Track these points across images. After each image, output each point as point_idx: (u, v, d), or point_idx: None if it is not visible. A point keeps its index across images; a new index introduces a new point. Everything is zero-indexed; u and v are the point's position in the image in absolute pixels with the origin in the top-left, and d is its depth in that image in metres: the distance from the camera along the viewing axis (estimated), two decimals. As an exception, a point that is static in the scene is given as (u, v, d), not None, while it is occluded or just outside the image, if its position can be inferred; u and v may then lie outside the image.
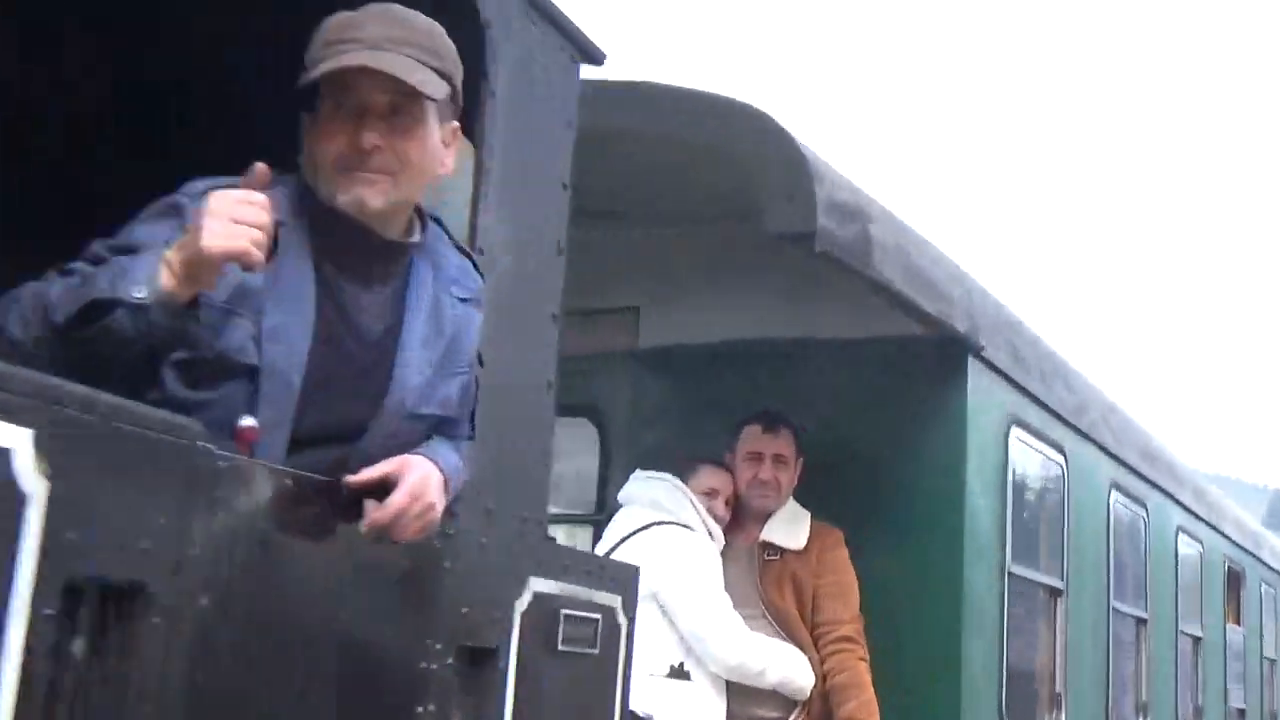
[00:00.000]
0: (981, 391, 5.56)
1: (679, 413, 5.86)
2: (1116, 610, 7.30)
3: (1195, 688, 9.21)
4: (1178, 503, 8.92)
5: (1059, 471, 6.55)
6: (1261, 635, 11.42)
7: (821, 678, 4.97)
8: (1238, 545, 10.73)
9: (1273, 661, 11.85)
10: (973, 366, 5.49)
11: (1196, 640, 9.27)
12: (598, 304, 6.02)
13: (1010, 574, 5.79)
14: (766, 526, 5.18)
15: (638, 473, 5.31)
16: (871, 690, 4.93)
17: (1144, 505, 8.01)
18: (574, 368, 6.37)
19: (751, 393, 5.55)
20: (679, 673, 4.84)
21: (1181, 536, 8.93)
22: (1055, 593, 6.47)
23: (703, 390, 5.80)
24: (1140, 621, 7.89)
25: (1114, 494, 7.42)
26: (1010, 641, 5.76)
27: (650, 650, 4.81)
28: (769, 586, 5.07)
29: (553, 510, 6.18)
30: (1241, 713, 10.56)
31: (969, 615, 5.29)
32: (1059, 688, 6.40)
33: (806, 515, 5.23)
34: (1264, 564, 11.72)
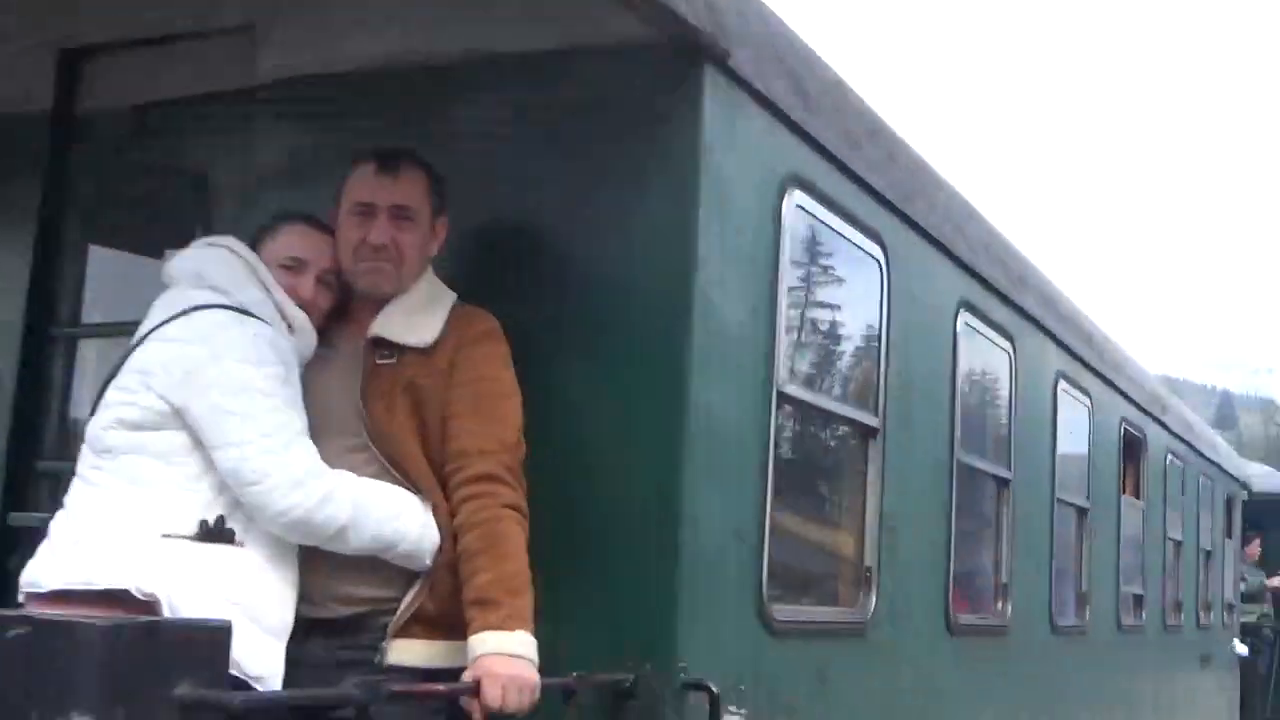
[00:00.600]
0: (727, 124, 3.76)
1: (310, 168, 4.04)
2: (963, 464, 5.59)
3: (1077, 568, 7.56)
4: (1060, 344, 7.21)
5: (874, 267, 4.79)
6: (1165, 513, 9.78)
7: (452, 537, 3.24)
8: (1138, 406, 9.05)
9: (1178, 543, 10.23)
10: (712, 83, 3.67)
11: (1081, 512, 7.61)
12: (195, 25, 4.21)
13: (782, 396, 4.05)
14: (381, 315, 3.41)
15: (195, 241, 3.54)
16: (520, 556, 3.19)
17: (1009, 338, 6.30)
18: (166, 115, 4.65)
19: (404, 135, 3.74)
20: (215, 533, 3.07)
21: (1063, 384, 7.23)
22: (867, 432, 4.74)
23: (341, 135, 3.98)
24: (1001, 482, 6.19)
25: (964, 315, 5.69)
26: (780, 496, 4.03)
27: (168, 501, 3.08)
28: (375, 402, 3.31)
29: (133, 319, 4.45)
30: (1139, 599, 8.91)
31: (697, 451, 3.53)
32: (868, 560, 4.69)
33: (449, 299, 3.48)
34: (1171, 432, 10.05)
